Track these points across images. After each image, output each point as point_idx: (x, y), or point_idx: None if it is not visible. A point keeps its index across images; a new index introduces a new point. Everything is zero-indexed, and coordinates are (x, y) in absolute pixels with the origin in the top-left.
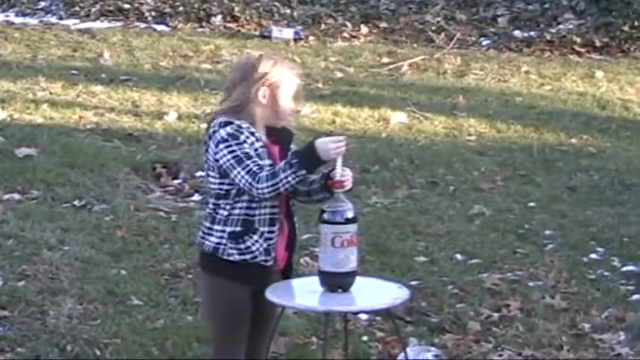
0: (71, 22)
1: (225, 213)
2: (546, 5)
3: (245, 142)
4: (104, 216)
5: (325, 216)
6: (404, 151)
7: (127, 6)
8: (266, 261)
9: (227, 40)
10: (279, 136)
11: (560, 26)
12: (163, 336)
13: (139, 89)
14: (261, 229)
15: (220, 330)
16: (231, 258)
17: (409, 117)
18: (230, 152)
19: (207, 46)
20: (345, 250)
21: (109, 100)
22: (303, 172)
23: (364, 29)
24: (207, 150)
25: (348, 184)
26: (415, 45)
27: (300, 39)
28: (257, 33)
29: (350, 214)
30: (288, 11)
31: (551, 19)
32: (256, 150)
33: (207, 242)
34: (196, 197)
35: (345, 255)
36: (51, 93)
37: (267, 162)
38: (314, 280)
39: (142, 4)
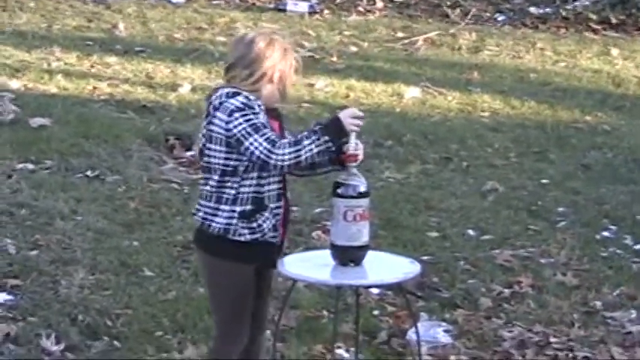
0: None
1: (233, 192)
2: None
3: (260, 112)
4: (117, 187)
5: (338, 190)
6: (417, 127)
7: None
8: (274, 237)
9: (242, 13)
10: (276, 112)
11: (576, 3)
12: (175, 307)
13: (153, 61)
14: (271, 205)
15: (227, 311)
16: (242, 238)
17: (423, 92)
18: (247, 120)
19: (222, 19)
20: (358, 224)
21: (123, 72)
22: (327, 139)
23: (379, 3)
24: (210, 122)
25: (361, 158)
26: (430, 20)
27: (315, 12)
28: (272, 6)
29: (363, 188)
30: None
31: None
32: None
33: (213, 224)
34: None
35: (357, 229)
36: (65, 63)
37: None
38: (326, 254)
39: None
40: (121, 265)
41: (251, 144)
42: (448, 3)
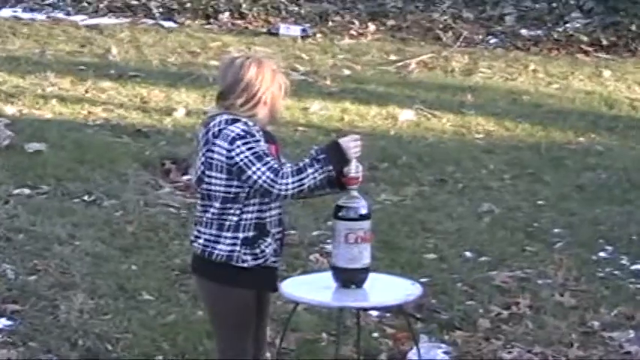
0: (79, 18)
1: (236, 218)
2: (553, 4)
3: (260, 139)
4: (114, 211)
5: (339, 212)
6: (412, 149)
7: (134, 2)
8: (275, 262)
9: (235, 37)
10: (270, 135)
11: (568, 25)
12: (174, 331)
13: (147, 85)
14: (272, 230)
15: (231, 335)
16: (245, 264)
17: (417, 115)
18: (249, 149)
19: (215, 43)
20: (359, 246)
21: (117, 96)
22: (330, 168)
23: (372, 27)
24: (210, 150)
25: (361, 180)
26: (423, 43)
27: (308, 36)
28: (264, 30)
29: (364, 211)
30: (296, 8)
31: (558, 18)
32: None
33: (216, 251)
34: None
35: (358, 251)
36: (60, 88)
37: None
38: (326, 276)
39: (149, 0)
40: (120, 289)
41: (254, 173)
42: (440, 26)
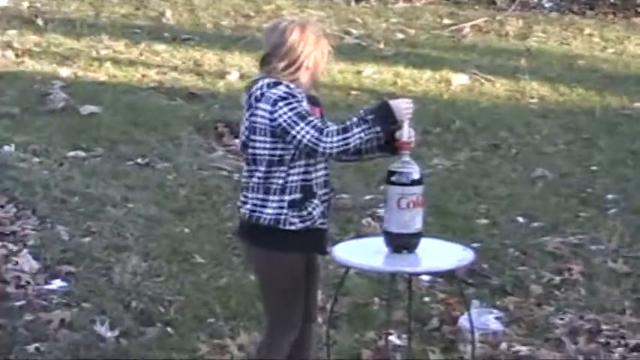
0: None
1: (281, 181)
2: None
3: (303, 100)
4: (167, 174)
5: (392, 177)
6: (466, 114)
7: None
8: (323, 224)
9: (288, 1)
10: (314, 99)
11: None
12: (227, 294)
13: (201, 48)
14: (319, 192)
15: (281, 300)
16: (293, 227)
17: (471, 79)
18: (291, 109)
19: (269, 6)
20: (411, 211)
21: (171, 59)
22: (378, 128)
23: None
24: (253, 114)
25: (413, 145)
26: (477, 7)
27: (361, 0)
28: None
29: (416, 176)
30: None
31: None
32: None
33: (263, 215)
34: None
35: (410, 216)
36: (114, 51)
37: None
38: (378, 241)
39: None
40: (173, 252)
41: (298, 132)
42: None
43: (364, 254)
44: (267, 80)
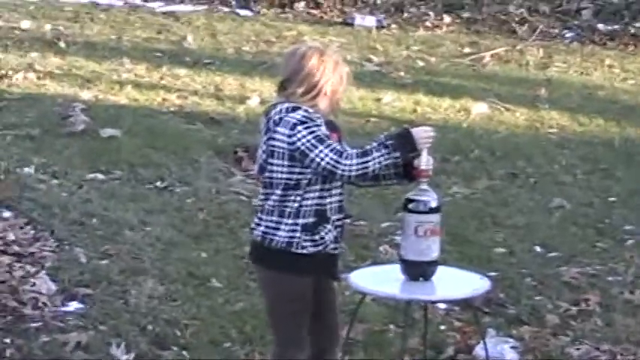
0: (156, 5)
1: (296, 205)
2: None
3: (321, 124)
4: (186, 198)
5: (409, 205)
6: (484, 142)
7: None
8: (335, 249)
9: (310, 27)
10: (333, 124)
11: None
12: (243, 319)
13: (222, 73)
14: (333, 217)
15: (289, 322)
16: (304, 251)
17: (490, 108)
18: (310, 132)
19: (290, 32)
20: (428, 239)
21: (192, 84)
22: (397, 154)
23: (447, 19)
24: (271, 138)
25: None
26: (497, 36)
27: (383, 27)
28: (339, 20)
29: (434, 204)
30: None
31: (635, 13)
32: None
33: (276, 238)
34: None
35: (427, 244)
36: (135, 75)
37: None
38: (395, 268)
39: None
40: (189, 275)
41: (317, 155)
42: (516, 19)
43: (380, 281)
44: (286, 105)
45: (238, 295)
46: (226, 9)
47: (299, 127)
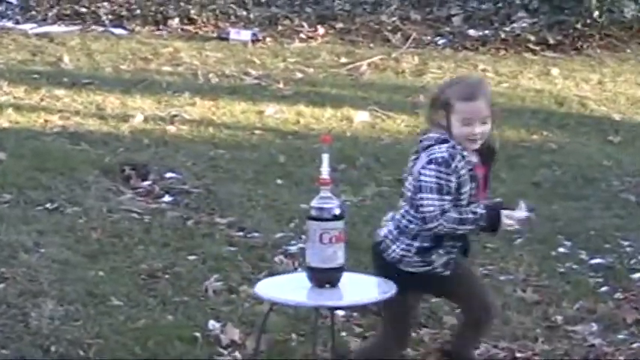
0: (28, 27)
1: (417, 228)
2: (499, 4)
3: (454, 172)
4: (77, 218)
5: (313, 212)
6: (369, 150)
7: (83, 10)
8: (443, 271)
9: (185, 43)
10: (485, 155)
11: (514, 25)
12: (145, 335)
13: (102, 92)
14: (447, 243)
15: (389, 325)
16: (412, 269)
17: (372, 116)
18: (436, 177)
19: (166, 49)
20: (334, 245)
21: (73, 104)
22: (478, 229)
23: (321, 30)
24: (416, 158)
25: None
26: (372, 45)
27: (258, 40)
28: (215, 35)
29: (337, 211)
30: (245, 13)
31: (504, 18)
32: (459, 177)
33: (390, 250)
34: (167, 198)
35: (333, 251)
36: (14, 97)
37: (468, 187)
38: (301, 276)
39: (98, 7)
40: (88, 295)
41: (426, 199)
42: (389, 28)
43: (288, 290)
44: (437, 134)
45: (139, 312)
46: (100, 28)
47: (432, 166)
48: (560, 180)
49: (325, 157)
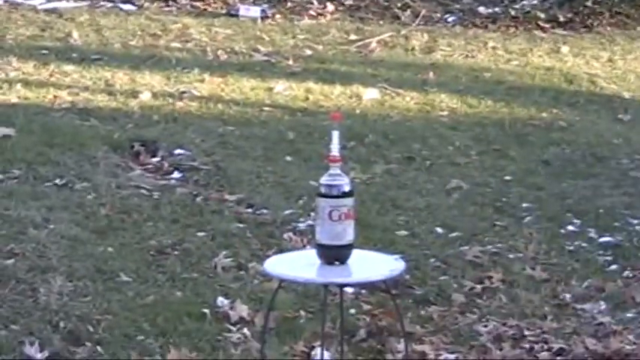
0: (37, 2)
1: None
2: None
3: None
4: (87, 194)
5: (322, 189)
6: (378, 127)
7: None
8: None
9: (194, 19)
10: None
11: (524, 2)
12: (154, 311)
13: (110, 68)
14: None
15: None
16: None
17: (381, 93)
18: None
19: (175, 25)
20: (343, 223)
21: (82, 80)
22: None
23: (330, 7)
24: None
25: None
26: (381, 22)
27: (267, 17)
28: (224, 11)
29: (347, 188)
30: None
31: None
32: None
33: None
34: (176, 175)
35: (342, 228)
36: (23, 73)
37: None
38: (310, 253)
39: None
40: (97, 271)
41: None
42: (398, 5)
43: (295, 267)
44: None
45: (148, 289)
46: (109, 4)
47: None
48: (569, 158)
49: (335, 134)
